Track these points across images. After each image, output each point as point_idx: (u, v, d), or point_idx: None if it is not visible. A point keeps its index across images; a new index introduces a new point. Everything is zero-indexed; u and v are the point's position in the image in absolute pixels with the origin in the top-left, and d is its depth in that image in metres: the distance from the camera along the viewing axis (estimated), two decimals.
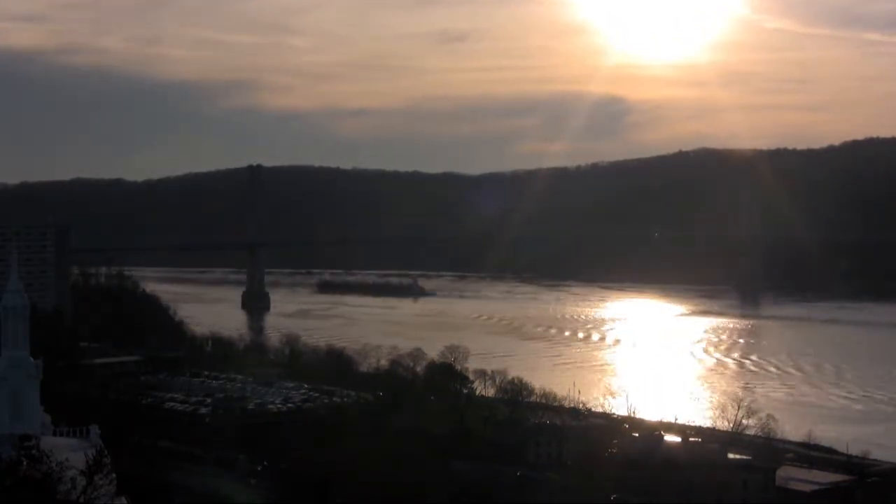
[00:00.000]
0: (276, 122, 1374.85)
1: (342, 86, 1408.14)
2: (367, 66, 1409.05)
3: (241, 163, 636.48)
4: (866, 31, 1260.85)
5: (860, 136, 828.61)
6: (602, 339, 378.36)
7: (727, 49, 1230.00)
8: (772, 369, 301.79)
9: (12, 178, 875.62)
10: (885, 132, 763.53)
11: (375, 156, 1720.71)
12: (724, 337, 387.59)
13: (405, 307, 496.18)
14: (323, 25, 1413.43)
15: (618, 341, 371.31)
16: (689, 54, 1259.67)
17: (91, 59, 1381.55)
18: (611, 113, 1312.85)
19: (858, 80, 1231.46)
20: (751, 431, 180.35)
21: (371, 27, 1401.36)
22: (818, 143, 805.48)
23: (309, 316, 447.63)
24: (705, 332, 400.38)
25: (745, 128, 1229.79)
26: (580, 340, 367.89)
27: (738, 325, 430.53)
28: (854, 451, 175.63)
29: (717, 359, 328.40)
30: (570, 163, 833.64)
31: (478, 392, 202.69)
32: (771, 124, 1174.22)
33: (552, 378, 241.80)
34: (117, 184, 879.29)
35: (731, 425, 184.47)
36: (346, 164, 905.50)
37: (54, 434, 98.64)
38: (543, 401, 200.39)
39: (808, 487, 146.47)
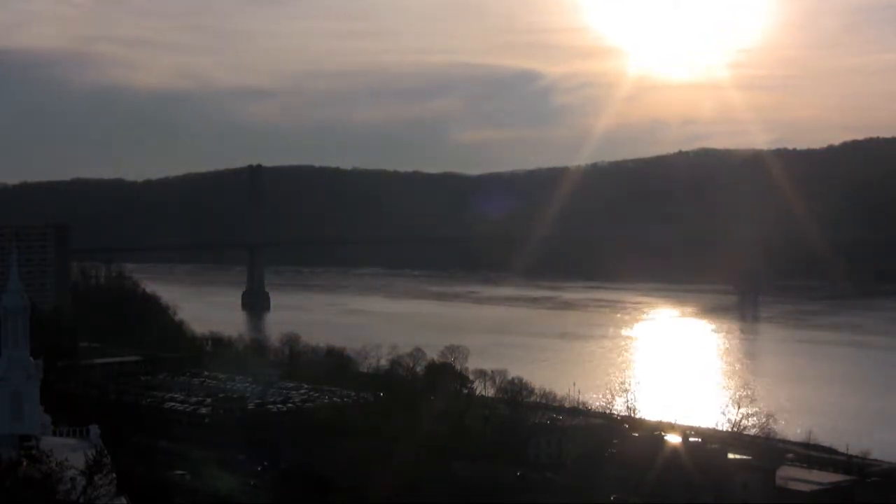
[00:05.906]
0: (152, 104, 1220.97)
1: (192, 58, 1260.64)
2: (191, 29, 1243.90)
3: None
4: None
5: (859, 135, 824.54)
6: (602, 339, 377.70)
7: (649, 11, 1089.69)
8: (772, 369, 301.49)
9: (12, 178, 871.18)
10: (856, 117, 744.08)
11: (294, 154, 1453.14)
12: (723, 337, 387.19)
13: (406, 308, 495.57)
14: None
15: (617, 341, 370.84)
16: (590, 15, 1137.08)
17: None
18: (534, 91, 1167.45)
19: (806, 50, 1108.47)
20: (751, 431, 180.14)
21: None
22: (818, 143, 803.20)
23: (309, 315, 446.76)
24: (705, 332, 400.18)
25: (689, 109, 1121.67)
26: (581, 340, 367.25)
27: (737, 325, 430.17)
28: (854, 451, 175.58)
29: (717, 359, 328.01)
30: (569, 163, 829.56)
31: (478, 392, 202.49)
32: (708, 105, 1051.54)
33: (552, 377, 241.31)
34: (117, 184, 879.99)
35: (731, 425, 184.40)
36: (347, 165, 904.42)
37: (54, 434, 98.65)
38: (543, 401, 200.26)
39: (808, 487, 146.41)
